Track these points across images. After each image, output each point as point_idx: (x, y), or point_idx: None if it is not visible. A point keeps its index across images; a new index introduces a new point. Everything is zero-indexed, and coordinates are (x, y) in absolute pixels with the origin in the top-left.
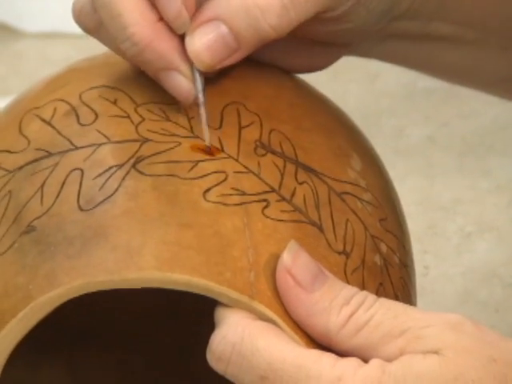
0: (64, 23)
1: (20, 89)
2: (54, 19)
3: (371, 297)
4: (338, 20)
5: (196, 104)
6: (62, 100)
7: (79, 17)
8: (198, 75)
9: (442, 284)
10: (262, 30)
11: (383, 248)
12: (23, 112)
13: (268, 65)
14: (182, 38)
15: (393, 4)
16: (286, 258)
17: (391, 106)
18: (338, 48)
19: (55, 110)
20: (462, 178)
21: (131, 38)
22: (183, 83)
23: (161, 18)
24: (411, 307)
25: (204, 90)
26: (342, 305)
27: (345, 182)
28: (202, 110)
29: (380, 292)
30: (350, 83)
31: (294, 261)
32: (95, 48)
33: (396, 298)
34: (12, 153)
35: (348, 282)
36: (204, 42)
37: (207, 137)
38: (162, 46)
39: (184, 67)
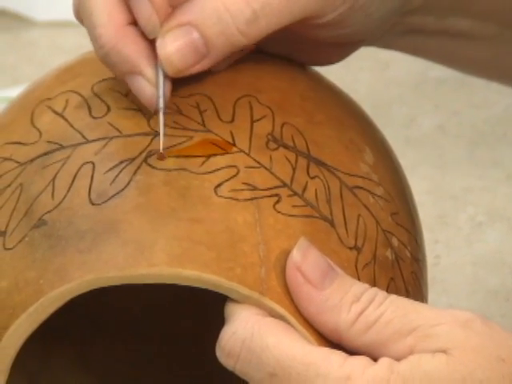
0: None
1: (31, 78)
2: (66, 8)
3: (381, 294)
4: (333, 25)
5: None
6: (74, 91)
7: (76, 14)
8: (161, 80)
9: (453, 273)
10: (232, 36)
11: (395, 242)
12: (35, 103)
13: (281, 57)
14: (151, 42)
15: (402, 2)
16: (296, 255)
17: (402, 94)
18: (347, 46)
19: (67, 101)
20: (472, 167)
21: (98, 39)
22: (146, 88)
23: (133, 21)
24: (421, 304)
25: (166, 95)
26: (352, 302)
27: (357, 176)
28: (161, 116)
29: (391, 287)
30: (360, 72)
31: (304, 258)
32: None
33: (407, 292)
34: (23, 145)
35: (359, 278)
36: (175, 46)
37: (161, 144)
38: (127, 49)
39: (148, 71)
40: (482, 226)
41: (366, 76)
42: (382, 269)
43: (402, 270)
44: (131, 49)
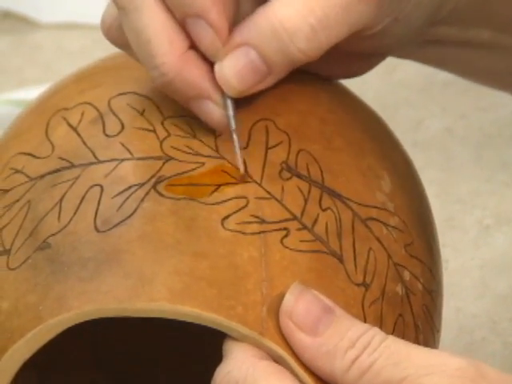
0: (81, 14)
1: (36, 80)
2: (71, 10)
3: (379, 337)
4: (377, 37)
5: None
6: (91, 104)
7: (108, 33)
8: (229, 102)
9: (461, 277)
10: (291, 54)
11: (406, 276)
12: (52, 111)
13: (304, 72)
14: (211, 64)
15: (434, 11)
16: (288, 301)
17: (409, 97)
18: (377, 57)
19: (83, 114)
20: (480, 170)
21: (160, 67)
22: (215, 111)
23: (191, 45)
24: (417, 349)
25: (235, 115)
26: (347, 348)
27: (371, 206)
28: (235, 137)
29: (399, 323)
30: (368, 74)
31: (296, 304)
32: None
33: (416, 327)
34: (36, 158)
35: (365, 316)
36: (233, 68)
37: (241, 164)
38: (192, 74)
39: (215, 95)
40: (489, 229)
41: (374, 79)
42: (390, 305)
43: (412, 305)
44: (196, 74)
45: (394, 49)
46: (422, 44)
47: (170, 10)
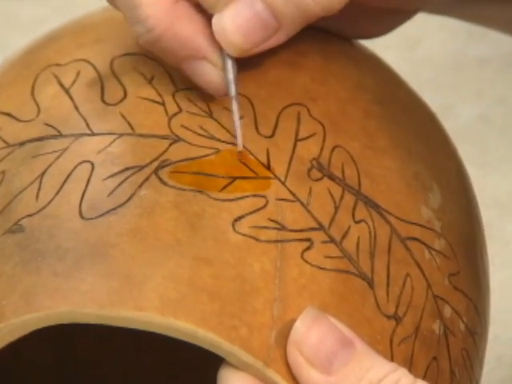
0: None
1: None
2: None
3: (405, 380)
4: None
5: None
6: (89, 62)
7: None
8: (229, 62)
9: (499, 297)
10: (305, 4)
11: (447, 312)
12: (42, 65)
13: (351, 49)
14: (207, 16)
15: None
16: (298, 329)
17: (435, 78)
18: (402, 14)
19: (78, 74)
20: None
21: (145, 21)
22: (212, 73)
23: None
24: None
25: (236, 79)
26: None
27: (414, 223)
28: (235, 106)
29: (432, 368)
30: (385, 50)
31: (308, 333)
32: (73, 9)
33: (452, 375)
34: (16, 120)
35: (392, 356)
36: (235, 22)
37: (239, 139)
38: (184, 30)
39: (212, 54)
40: None
41: (392, 55)
42: (423, 345)
43: (451, 348)
44: (189, 29)
45: (424, 4)
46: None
47: None
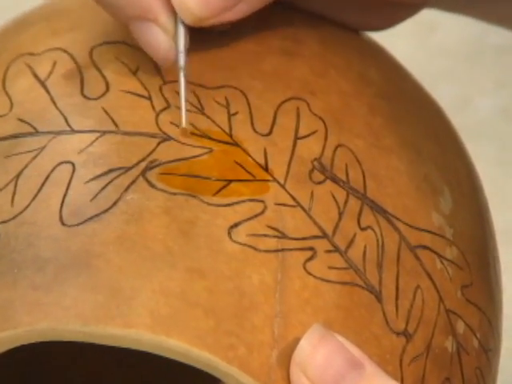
0: None
1: None
2: None
3: None
4: None
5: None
6: (66, 52)
7: None
8: (181, 30)
9: None
10: None
11: (460, 327)
12: (12, 55)
13: (349, 36)
14: None
15: None
16: (303, 348)
17: (452, 68)
18: (408, 7)
19: (55, 65)
20: None
21: None
22: (161, 38)
23: None
24: None
25: (186, 49)
26: None
27: (424, 230)
28: (182, 77)
29: None
30: (397, 38)
31: (314, 354)
32: None
33: None
34: None
35: (402, 376)
36: None
37: (183, 116)
38: None
39: (164, 17)
40: None
41: (405, 44)
42: (435, 365)
43: (464, 367)
44: None
45: None
46: None
47: None
